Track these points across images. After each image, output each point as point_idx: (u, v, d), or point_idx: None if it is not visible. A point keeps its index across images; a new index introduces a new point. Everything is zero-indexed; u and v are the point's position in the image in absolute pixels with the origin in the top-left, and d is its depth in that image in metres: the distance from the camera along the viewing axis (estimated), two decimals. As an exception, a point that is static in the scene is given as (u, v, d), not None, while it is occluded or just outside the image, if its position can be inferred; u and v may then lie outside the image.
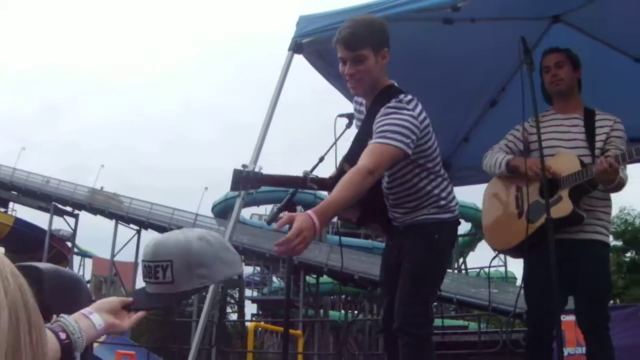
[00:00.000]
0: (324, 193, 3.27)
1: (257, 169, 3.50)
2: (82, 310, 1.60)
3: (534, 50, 3.99)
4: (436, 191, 3.14)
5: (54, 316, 1.55)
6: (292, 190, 3.34)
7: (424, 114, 3.04)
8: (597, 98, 4.18)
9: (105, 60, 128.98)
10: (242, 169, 3.34)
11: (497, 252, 4.67)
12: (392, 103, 2.97)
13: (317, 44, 4.17)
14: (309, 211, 2.47)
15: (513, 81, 4.62)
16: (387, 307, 3.22)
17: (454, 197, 3.24)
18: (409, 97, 3.04)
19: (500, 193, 3.83)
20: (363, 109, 3.32)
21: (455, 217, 3.24)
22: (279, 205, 3.38)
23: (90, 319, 1.58)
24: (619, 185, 3.47)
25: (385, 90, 3.13)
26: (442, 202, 3.15)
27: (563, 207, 3.41)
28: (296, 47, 4.16)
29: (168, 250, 1.76)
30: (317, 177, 3.25)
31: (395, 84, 3.21)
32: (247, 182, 3.24)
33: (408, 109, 2.96)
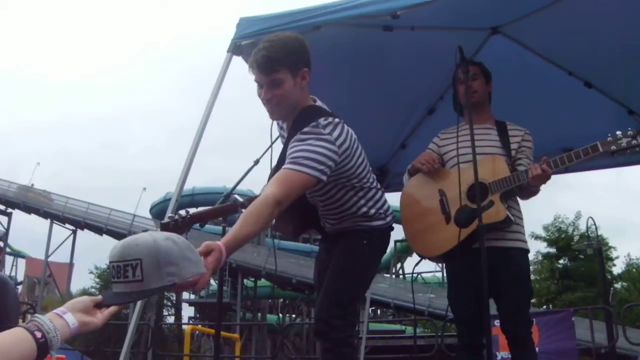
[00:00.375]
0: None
1: (184, 212, 3.38)
2: (55, 311, 1.65)
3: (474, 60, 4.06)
4: (362, 202, 3.10)
5: None
6: (226, 194, 3.35)
7: (343, 137, 2.89)
8: (532, 108, 4.27)
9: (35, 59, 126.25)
10: (169, 220, 3.19)
11: (422, 258, 4.59)
12: (308, 128, 2.83)
13: (256, 46, 4.12)
14: (219, 244, 2.27)
15: (451, 90, 4.67)
16: None
17: (384, 204, 3.19)
18: (328, 120, 2.88)
19: (421, 199, 3.83)
20: (284, 132, 3.20)
21: (388, 223, 3.19)
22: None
23: (64, 318, 1.63)
24: (536, 193, 3.61)
25: (304, 112, 2.97)
26: (372, 212, 3.12)
27: (497, 212, 3.46)
28: (235, 48, 4.10)
29: (137, 250, 1.82)
30: (245, 202, 3.17)
31: (318, 103, 3.09)
32: (178, 229, 3.09)
33: (324, 134, 2.81)
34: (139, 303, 4.35)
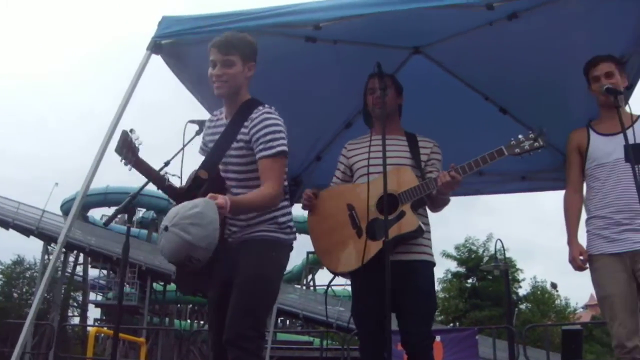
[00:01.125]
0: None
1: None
2: None
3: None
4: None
5: None
6: (133, 194, 3.28)
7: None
8: (448, 129, 4.34)
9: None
10: (130, 132, 3.29)
11: (334, 275, 4.54)
12: (265, 110, 3.21)
13: (176, 46, 4.05)
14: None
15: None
16: (218, 326, 3.12)
17: (291, 218, 3.28)
18: (272, 108, 3.26)
19: (330, 215, 3.79)
20: (220, 122, 3.40)
21: (291, 240, 3.27)
22: (118, 207, 3.25)
23: None
24: (447, 202, 3.65)
25: (248, 102, 3.29)
26: (281, 220, 3.19)
27: (410, 222, 3.46)
28: (155, 47, 4.01)
29: None
30: (173, 184, 3.30)
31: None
32: (128, 148, 3.24)
33: (277, 116, 3.23)
34: (35, 303, 4.21)
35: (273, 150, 3.09)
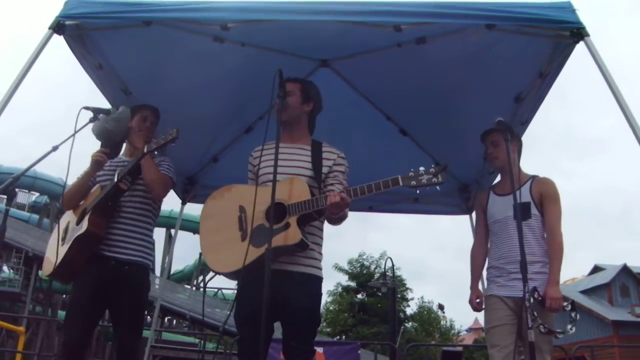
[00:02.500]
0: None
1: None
2: None
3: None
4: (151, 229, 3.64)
5: None
6: (16, 175, 3.24)
7: None
8: (349, 144, 4.36)
9: None
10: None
11: (215, 273, 4.56)
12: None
13: (80, 29, 3.90)
14: None
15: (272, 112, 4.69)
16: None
17: None
18: None
19: (221, 212, 3.71)
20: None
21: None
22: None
23: None
24: (343, 218, 3.63)
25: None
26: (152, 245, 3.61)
27: (292, 235, 3.38)
28: (58, 27, 3.82)
29: None
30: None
31: None
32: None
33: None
34: None
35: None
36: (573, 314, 3.91)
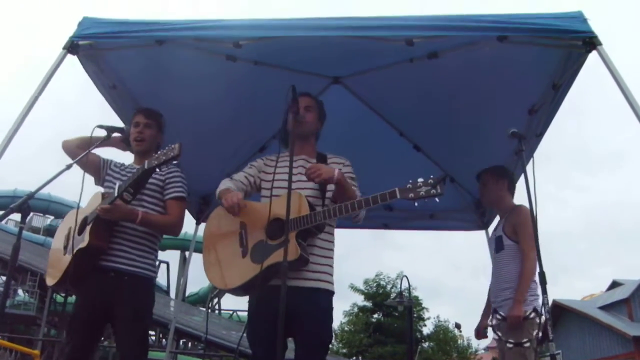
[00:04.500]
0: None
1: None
2: None
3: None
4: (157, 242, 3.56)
5: None
6: (29, 194, 3.31)
7: None
8: (361, 161, 4.35)
9: None
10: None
11: (217, 289, 4.52)
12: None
13: (94, 49, 3.92)
14: None
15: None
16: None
17: None
18: None
19: (222, 229, 3.71)
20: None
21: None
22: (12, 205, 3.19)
23: None
24: (360, 219, 3.64)
25: None
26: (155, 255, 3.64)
27: (291, 250, 3.28)
28: (72, 47, 3.85)
29: None
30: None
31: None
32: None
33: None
34: None
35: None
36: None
